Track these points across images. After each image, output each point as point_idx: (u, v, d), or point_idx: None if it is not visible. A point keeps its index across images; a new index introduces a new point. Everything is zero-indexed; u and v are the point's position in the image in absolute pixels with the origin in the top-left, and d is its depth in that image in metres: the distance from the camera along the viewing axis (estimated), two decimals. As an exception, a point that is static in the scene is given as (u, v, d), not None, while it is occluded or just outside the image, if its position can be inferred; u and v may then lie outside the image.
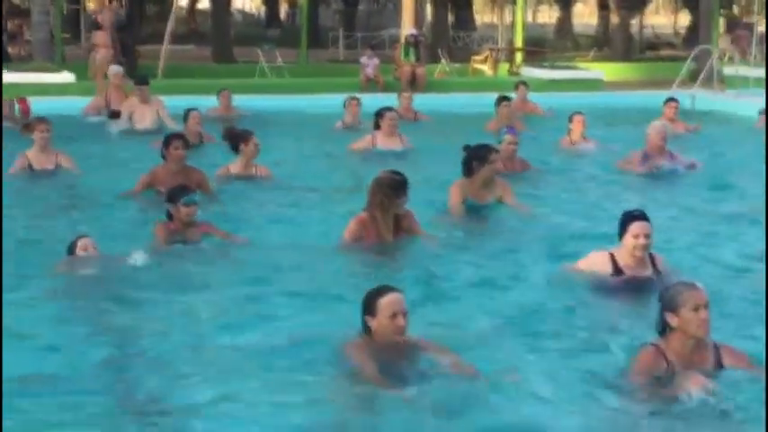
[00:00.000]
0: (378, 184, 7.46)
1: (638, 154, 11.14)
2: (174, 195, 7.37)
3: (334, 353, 5.19)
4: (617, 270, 6.55)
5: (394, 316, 4.92)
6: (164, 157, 9.30)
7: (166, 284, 6.73)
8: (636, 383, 4.93)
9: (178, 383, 5.03)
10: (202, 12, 44.88)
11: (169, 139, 9.43)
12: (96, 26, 19.96)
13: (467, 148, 9.03)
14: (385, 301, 4.96)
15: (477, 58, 28.26)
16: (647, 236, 6.43)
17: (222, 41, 30.81)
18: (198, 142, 12.10)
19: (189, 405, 4.80)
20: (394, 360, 5.02)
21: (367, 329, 5.05)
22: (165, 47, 21.29)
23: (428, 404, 4.81)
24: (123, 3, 23.58)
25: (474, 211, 8.88)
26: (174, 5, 23.96)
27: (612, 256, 6.58)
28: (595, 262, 6.67)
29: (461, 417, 4.74)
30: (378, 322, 4.96)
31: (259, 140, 10.23)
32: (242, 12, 51.72)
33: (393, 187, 7.40)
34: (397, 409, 4.75)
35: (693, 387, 4.67)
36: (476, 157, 8.85)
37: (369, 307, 5.01)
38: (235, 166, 10.22)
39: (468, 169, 8.90)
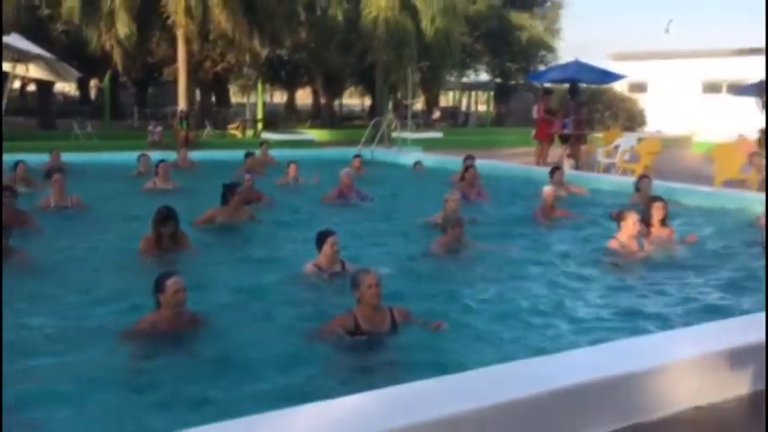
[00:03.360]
0: (154, 215, 7.31)
1: (335, 190, 11.26)
2: None
3: (130, 324, 5.02)
4: (320, 271, 6.44)
5: (176, 292, 4.87)
6: None
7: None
8: (330, 336, 4.90)
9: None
10: (30, 92, 41.61)
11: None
12: None
13: (224, 185, 9.11)
14: (170, 281, 4.90)
15: (231, 126, 28.06)
16: (337, 244, 6.44)
17: (46, 114, 28.78)
18: (26, 186, 11.40)
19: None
20: (175, 327, 4.96)
21: (157, 303, 4.94)
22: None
23: (199, 353, 4.81)
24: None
25: (228, 229, 8.82)
26: (7, 86, 22.09)
27: (316, 264, 6.46)
28: (306, 268, 6.52)
29: (217, 365, 4.68)
30: (165, 297, 4.88)
31: (62, 177, 10.02)
32: (62, 93, 48.32)
33: (159, 219, 7.23)
34: (174, 361, 4.69)
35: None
36: (228, 191, 8.95)
37: (158, 286, 4.92)
38: (53, 197, 9.89)
39: (224, 199, 8.96)
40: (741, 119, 24.39)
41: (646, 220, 7.92)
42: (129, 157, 15.16)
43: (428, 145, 22.02)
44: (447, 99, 52.91)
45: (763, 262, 7.28)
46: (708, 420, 4.00)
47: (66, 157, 15.09)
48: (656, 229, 8.09)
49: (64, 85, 44.19)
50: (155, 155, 14.57)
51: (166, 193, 11.22)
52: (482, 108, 46.77)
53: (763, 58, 23.17)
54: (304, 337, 5.03)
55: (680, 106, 34.47)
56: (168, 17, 23.73)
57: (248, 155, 14.63)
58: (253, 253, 7.98)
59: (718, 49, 35.14)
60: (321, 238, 6.50)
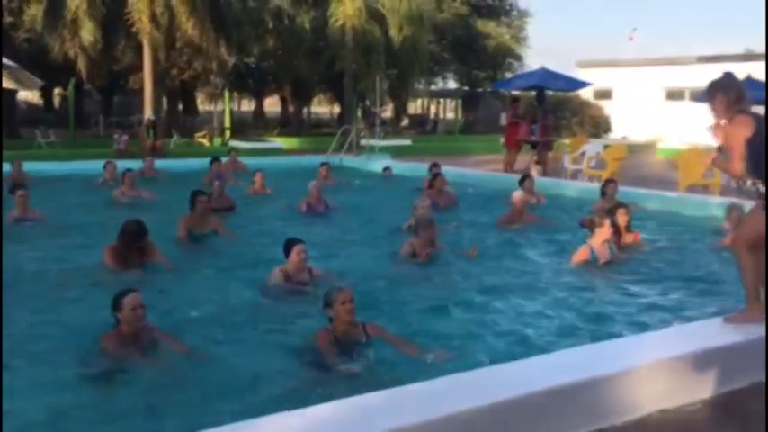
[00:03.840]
0: (122, 229, 7.12)
1: (302, 204, 10.94)
2: None
3: (92, 342, 4.92)
4: (288, 278, 6.42)
5: (134, 308, 4.79)
6: None
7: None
8: (317, 353, 4.77)
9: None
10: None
11: None
12: None
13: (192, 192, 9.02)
14: (127, 299, 4.81)
15: (198, 134, 27.80)
16: (304, 252, 6.43)
17: (9, 123, 28.25)
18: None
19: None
20: (136, 344, 4.85)
21: (116, 320, 4.85)
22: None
23: (162, 370, 4.72)
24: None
25: (196, 239, 8.70)
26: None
27: (284, 270, 6.46)
28: (274, 274, 6.48)
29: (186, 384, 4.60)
30: (123, 314, 4.80)
31: (26, 193, 9.83)
32: (25, 101, 47.48)
33: (129, 233, 7.07)
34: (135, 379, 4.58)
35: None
36: (192, 198, 8.85)
37: (116, 304, 4.84)
38: (17, 211, 9.77)
39: (192, 206, 8.85)
40: (704, 126, 24.81)
41: (614, 226, 8.03)
42: (95, 166, 14.97)
43: (397, 152, 22.08)
44: (416, 106, 53.09)
45: (726, 265, 7.39)
46: (674, 423, 4.05)
47: (30, 166, 14.82)
48: (623, 235, 8.22)
49: (27, 94, 43.56)
50: (121, 163, 14.42)
51: (134, 204, 11.13)
52: (450, 115, 46.99)
53: (723, 65, 23.60)
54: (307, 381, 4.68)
55: (644, 113, 35.02)
56: (133, 24, 23.50)
57: (214, 160, 14.54)
58: (219, 262, 7.87)
59: (680, 57, 35.79)
60: (288, 246, 6.48)
